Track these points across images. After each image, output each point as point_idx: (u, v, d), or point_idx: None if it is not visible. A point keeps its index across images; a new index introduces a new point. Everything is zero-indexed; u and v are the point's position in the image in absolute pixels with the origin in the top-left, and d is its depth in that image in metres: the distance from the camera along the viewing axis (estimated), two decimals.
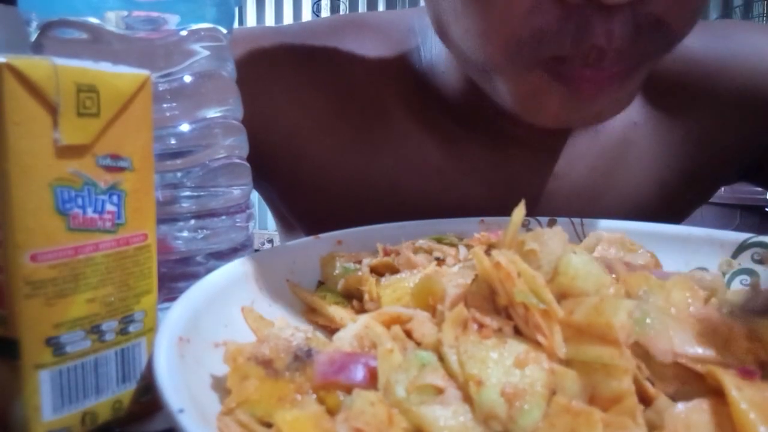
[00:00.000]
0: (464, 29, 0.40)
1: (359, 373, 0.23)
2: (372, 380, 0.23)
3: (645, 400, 0.22)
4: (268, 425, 0.22)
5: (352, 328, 0.27)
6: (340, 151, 0.53)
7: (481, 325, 0.24)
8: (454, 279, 0.30)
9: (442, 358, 0.23)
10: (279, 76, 0.53)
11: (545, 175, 0.54)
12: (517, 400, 0.21)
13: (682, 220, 0.61)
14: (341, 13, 2.99)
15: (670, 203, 0.58)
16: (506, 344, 0.23)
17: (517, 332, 0.24)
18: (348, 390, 0.23)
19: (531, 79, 0.39)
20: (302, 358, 0.25)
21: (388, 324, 0.27)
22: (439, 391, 0.22)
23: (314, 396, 0.24)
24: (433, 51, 0.54)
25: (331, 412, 0.23)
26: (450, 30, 0.42)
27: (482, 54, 0.40)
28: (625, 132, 0.55)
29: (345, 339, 0.26)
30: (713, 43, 0.55)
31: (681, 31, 0.38)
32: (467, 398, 0.22)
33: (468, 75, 0.48)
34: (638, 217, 0.52)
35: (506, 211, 0.55)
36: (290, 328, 0.27)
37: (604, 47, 0.35)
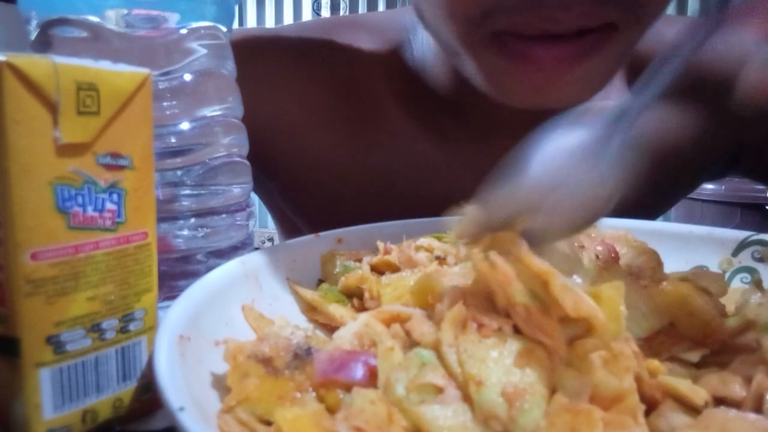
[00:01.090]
0: (431, 11, 0.40)
1: (359, 372, 0.23)
2: (372, 379, 0.23)
3: (650, 404, 0.22)
4: (268, 423, 0.22)
5: (352, 326, 0.27)
6: (337, 145, 0.54)
7: (480, 324, 0.23)
8: (455, 278, 0.29)
9: (441, 358, 0.23)
10: (279, 73, 0.54)
11: None
12: (518, 400, 0.21)
13: (667, 210, 0.62)
14: (341, 12, 2.99)
15: (656, 194, 0.58)
16: (506, 343, 0.23)
17: (517, 331, 0.24)
18: (347, 388, 0.23)
19: (490, 58, 0.39)
20: (302, 356, 0.25)
21: (388, 322, 0.27)
22: (439, 390, 0.22)
23: (314, 394, 0.24)
24: (423, 46, 0.54)
25: (331, 411, 0.23)
26: (424, 14, 0.42)
27: (446, 33, 0.40)
28: None
29: (345, 337, 0.26)
30: None
31: (645, 2, 0.37)
32: (467, 398, 0.21)
33: (455, 67, 0.48)
34: (626, 206, 0.52)
35: None
36: (290, 327, 0.27)
37: (557, 17, 0.35)
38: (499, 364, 0.22)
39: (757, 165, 0.60)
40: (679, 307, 0.28)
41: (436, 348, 0.23)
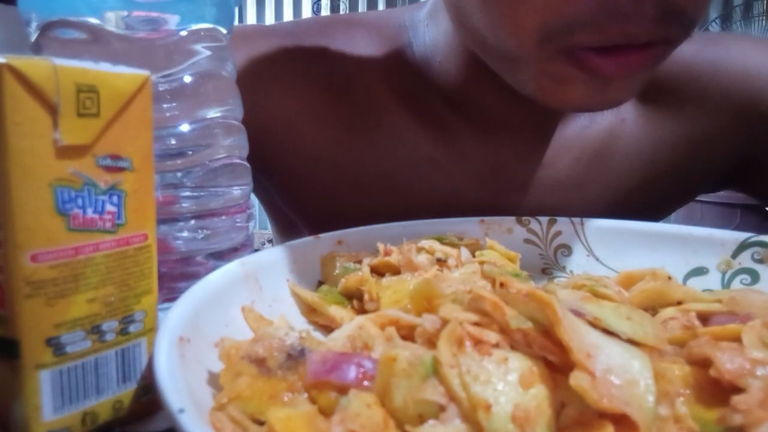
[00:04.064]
0: (492, 19, 0.40)
1: (351, 373, 0.23)
2: (364, 381, 0.23)
3: None
4: (260, 423, 0.22)
5: (346, 328, 0.27)
6: (336, 142, 0.55)
7: (477, 341, 0.22)
8: (455, 284, 0.29)
9: (442, 379, 0.22)
10: (277, 71, 0.54)
11: (531, 164, 0.55)
12: (528, 425, 0.20)
13: (662, 218, 0.62)
14: (341, 12, 3.00)
15: (651, 199, 0.59)
16: (507, 360, 0.22)
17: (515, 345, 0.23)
18: (340, 390, 0.23)
19: (558, 66, 0.39)
20: (295, 357, 0.25)
21: (384, 326, 0.27)
22: (441, 409, 0.21)
23: (306, 395, 0.24)
24: (426, 44, 0.55)
25: (323, 412, 0.22)
26: (472, 20, 0.42)
27: (512, 42, 0.40)
28: (612, 127, 0.57)
29: (338, 339, 0.26)
30: (705, 49, 0.57)
31: (697, 17, 0.38)
32: (467, 418, 0.21)
33: (465, 65, 0.48)
34: (618, 208, 0.53)
35: (494, 198, 0.56)
36: (286, 328, 0.27)
37: (634, 33, 0.36)
38: (504, 385, 0.21)
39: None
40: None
41: (435, 368, 0.22)
